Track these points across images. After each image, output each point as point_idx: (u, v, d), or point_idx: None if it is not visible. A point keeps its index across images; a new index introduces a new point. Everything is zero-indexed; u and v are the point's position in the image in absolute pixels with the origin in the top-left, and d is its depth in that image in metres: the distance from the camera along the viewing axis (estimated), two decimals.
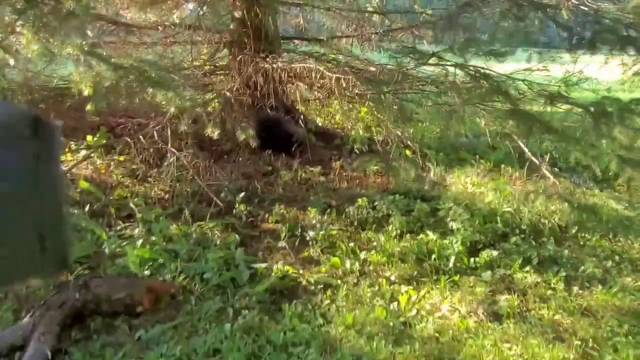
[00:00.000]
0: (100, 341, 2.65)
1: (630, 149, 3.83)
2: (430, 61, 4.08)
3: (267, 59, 5.27)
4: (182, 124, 3.66)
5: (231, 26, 6.10)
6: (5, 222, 0.40)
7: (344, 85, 4.95)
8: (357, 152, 5.98)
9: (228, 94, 5.24)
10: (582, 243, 3.86)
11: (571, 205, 3.73)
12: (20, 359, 2.48)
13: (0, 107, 0.45)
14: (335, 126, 7.47)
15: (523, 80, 3.95)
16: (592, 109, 3.66)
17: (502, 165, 5.61)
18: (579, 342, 2.65)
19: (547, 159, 4.83)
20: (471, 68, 3.80)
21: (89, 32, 3.08)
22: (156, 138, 4.48)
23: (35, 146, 0.43)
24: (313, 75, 4.96)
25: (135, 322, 2.83)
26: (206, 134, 5.34)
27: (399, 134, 4.99)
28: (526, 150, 4.34)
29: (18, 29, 3.08)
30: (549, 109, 3.92)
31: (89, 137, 5.19)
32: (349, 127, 7.22)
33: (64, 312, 2.68)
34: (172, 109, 3.63)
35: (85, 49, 2.81)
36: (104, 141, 5.15)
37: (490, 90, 3.70)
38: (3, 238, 0.40)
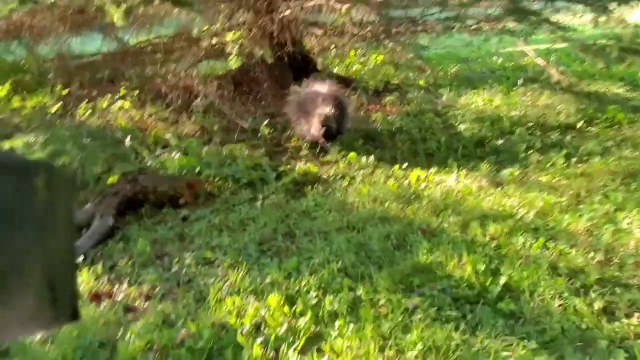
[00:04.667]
0: (151, 220, 3.09)
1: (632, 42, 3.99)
2: None
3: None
4: (204, 42, 4.01)
5: None
6: (17, 273, 0.38)
7: (355, 17, 5.22)
8: (373, 90, 6.32)
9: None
10: (586, 134, 4.07)
11: (574, 94, 3.93)
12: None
13: (15, 158, 0.43)
14: (354, 76, 7.72)
15: None
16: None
17: (514, 88, 5.82)
18: (572, 192, 2.93)
19: (553, 61, 5.02)
20: None
21: None
22: (183, 77, 4.88)
23: (50, 196, 0.41)
24: (324, 10, 5.24)
25: (179, 210, 3.26)
26: (229, 77, 5.79)
27: (411, 56, 5.22)
28: (530, 54, 4.52)
29: None
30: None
31: (122, 89, 5.66)
32: (366, 74, 7.50)
33: (118, 199, 3.13)
34: (195, 30, 4.02)
35: None
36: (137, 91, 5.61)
37: None
38: (17, 289, 0.37)
